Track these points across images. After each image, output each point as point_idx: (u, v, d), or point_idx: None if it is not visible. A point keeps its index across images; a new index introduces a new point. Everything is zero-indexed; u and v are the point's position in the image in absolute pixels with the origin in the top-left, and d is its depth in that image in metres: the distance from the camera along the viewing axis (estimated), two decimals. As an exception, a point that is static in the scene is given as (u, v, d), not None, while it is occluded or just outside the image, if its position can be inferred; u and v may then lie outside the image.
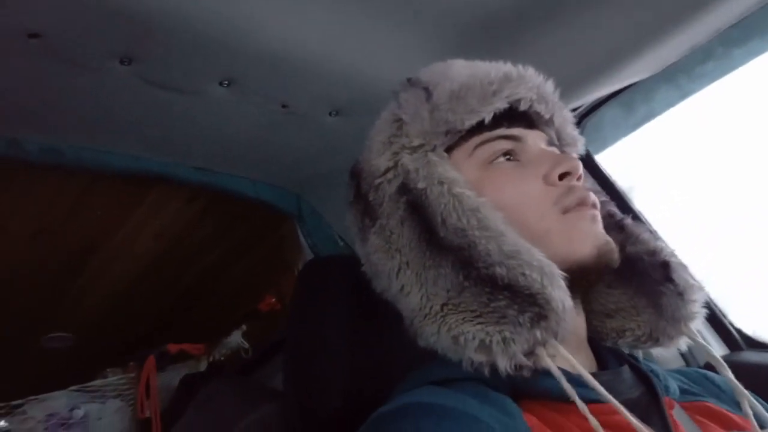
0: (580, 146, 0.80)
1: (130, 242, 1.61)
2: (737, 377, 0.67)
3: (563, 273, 0.59)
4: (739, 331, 1.28)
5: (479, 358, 0.58)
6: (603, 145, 1.31)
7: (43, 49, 0.84)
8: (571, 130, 0.78)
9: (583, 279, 0.64)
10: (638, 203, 1.32)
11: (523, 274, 0.58)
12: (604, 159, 1.33)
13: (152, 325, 2.01)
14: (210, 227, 1.66)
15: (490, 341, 0.57)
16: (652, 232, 0.76)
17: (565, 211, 0.65)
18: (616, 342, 0.74)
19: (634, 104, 1.23)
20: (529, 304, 0.57)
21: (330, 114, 1.13)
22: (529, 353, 0.57)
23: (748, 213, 1.46)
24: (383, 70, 1.01)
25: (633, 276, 0.73)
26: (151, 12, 0.79)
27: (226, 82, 0.98)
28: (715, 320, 1.28)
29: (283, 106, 1.08)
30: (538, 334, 0.56)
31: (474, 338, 0.58)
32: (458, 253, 0.61)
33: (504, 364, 0.57)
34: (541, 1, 0.91)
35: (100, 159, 1.17)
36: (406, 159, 0.69)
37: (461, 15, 0.93)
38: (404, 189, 0.67)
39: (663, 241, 0.75)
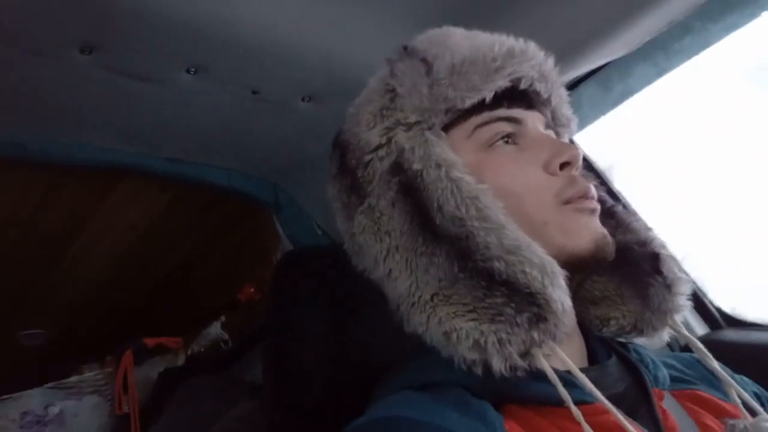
0: (573, 126, 0.77)
1: (102, 234, 1.58)
2: (719, 357, 0.67)
3: (564, 271, 0.57)
4: (719, 310, 1.29)
5: (472, 356, 0.55)
6: (582, 124, 1.29)
7: (-3, 39, 0.80)
8: (566, 110, 0.75)
9: (579, 271, 0.63)
10: (617, 182, 1.32)
11: (524, 272, 0.55)
12: (582, 138, 1.31)
13: (129, 318, 1.99)
14: (183, 217, 1.63)
15: (485, 342, 0.54)
16: (642, 222, 0.74)
17: (566, 202, 0.63)
18: (601, 330, 0.72)
19: (611, 82, 1.21)
20: (527, 303, 0.54)
21: (303, 99, 1.10)
22: (524, 354, 0.55)
23: (726, 190, 1.46)
24: (357, 53, 0.98)
25: (621, 265, 0.70)
26: (110, -2, 0.75)
27: (194, 69, 0.95)
28: (696, 300, 1.29)
29: (254, 93, 1.05)
30: (535, 335, 0.54)
31: (468, 337, 0.55)
32: (454, 243, 0.58)
33: (499, 365, 0.54)
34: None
35: (65, 152, 1.13)
36: (401, 136, 0.65)
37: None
38: (397, 168, 0.63)
39: (653, 232, 0.73)
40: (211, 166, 1.37)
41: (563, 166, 0.64)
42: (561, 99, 0.74)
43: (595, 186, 0.75)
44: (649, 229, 0.74)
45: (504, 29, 0.72)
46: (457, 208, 0.59)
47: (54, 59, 0.86)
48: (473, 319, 0.56)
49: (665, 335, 0.71)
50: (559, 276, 0.56)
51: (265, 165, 1.41)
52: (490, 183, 0.61)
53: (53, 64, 0.88)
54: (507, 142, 0.67)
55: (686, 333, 0.68)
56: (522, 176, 0.64)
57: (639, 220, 0.74)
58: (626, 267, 0.71)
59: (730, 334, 1.26)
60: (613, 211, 0.75)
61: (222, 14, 0.84)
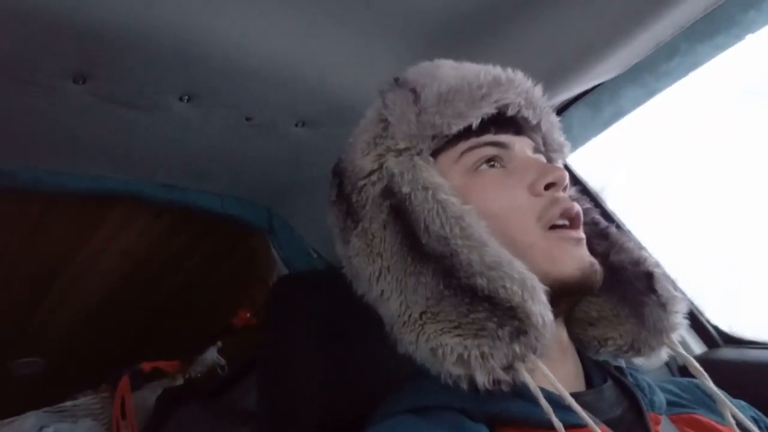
0: (566, 152, 0.78)
1: (95, 262, 1.57)
2: (717, 375, 0.67)
3: (545, 287, 0.58)
4: (716, 328, 1.29)
5: (457, 371, 0.56)
6: (573, 146, 1.30)
7: (-11, 70, 0.80)
8: (558, 136, 0.77)
9: (566, 296, 0.63)
10: (611, 203, 1.32)
11: (504, 287, 0.56)
12: (574, 160, 1.32)
13: (125, 345, 1.97)
14: (178, 243, 1.63)
15: (468, 356, 0.55)
16: (636, 241, 0.74)
17: (550, 227, 0.64)
18: (598, 351, 0.73)
19: (602, 104, 1.22)
20: (509, 317, 0.55)
21: (296, 125, 1.10)
22: (508, 367, 0.56)
23: (720, 209, 1.47)
24: (349, 79, 0.99)
25: (616, 285, 0.71)
26: (102, 28, 0.76)
27: (187, 97, 0.95)
28: (693, 318, 1.28)
29: (247, 119, 1.05)
30: (517, 348, 0.55)
31: (452, 352, 0.56)
32: (440, 262, 0.60)
33: (482, 379, 0.55)
34: (507, 3, 0.90)
35: (57, 181, 1.13)
36: (391, 162, 0.67)
37: (426, 18, 0.92)
38: (388, 192, 0.66)
39: (647, 251, 0.74)
40: (205, 192, 1.37)
41: (548, 186, 0.65)
42: (551, 125, 0.76)
43: (589, 208, 0.77)
44: (643, 248, 0.74)
45: (493, 54, 0.73)
46: (442, 227, 0.61)
47: (47, 89, 0.87)
48: (458, 335, 0.57)
49: (663, 354, 0.71)
50: (540, 291, 0.57)
51: (259, 190, 1.41)
52: (476, 205, 0.63)
53: (46, 94, 0.88)
54: (494, 166, 0.68)
55: (683, 352, 0.68)
56: (506, 198, 0.65)
57: (632, 239, 0.75)
58: (621, 287, 0.72)
59: (728, 353, 1.26)
60: (607, 233, 0.76)
61: (214, 42, 0.84)
